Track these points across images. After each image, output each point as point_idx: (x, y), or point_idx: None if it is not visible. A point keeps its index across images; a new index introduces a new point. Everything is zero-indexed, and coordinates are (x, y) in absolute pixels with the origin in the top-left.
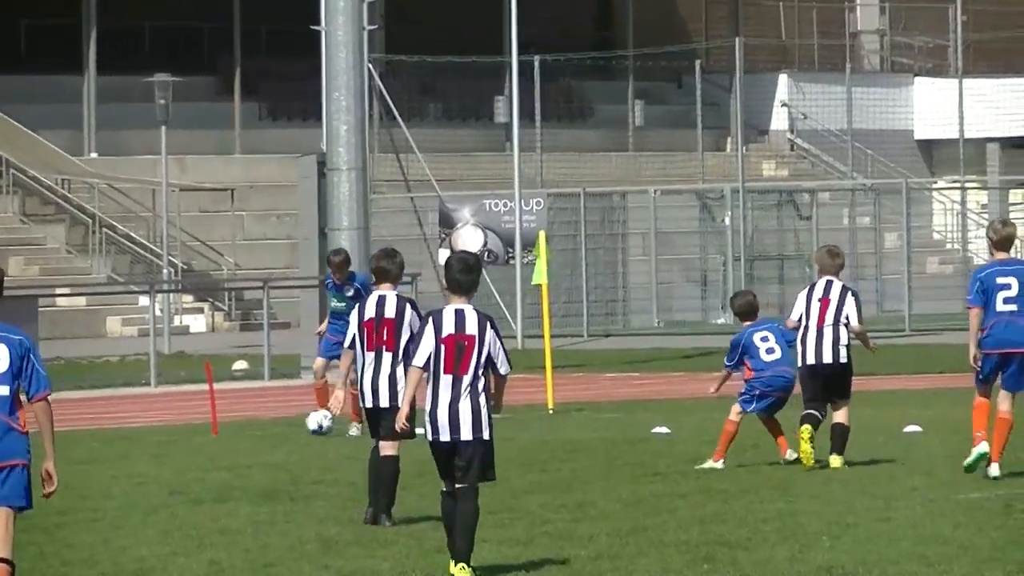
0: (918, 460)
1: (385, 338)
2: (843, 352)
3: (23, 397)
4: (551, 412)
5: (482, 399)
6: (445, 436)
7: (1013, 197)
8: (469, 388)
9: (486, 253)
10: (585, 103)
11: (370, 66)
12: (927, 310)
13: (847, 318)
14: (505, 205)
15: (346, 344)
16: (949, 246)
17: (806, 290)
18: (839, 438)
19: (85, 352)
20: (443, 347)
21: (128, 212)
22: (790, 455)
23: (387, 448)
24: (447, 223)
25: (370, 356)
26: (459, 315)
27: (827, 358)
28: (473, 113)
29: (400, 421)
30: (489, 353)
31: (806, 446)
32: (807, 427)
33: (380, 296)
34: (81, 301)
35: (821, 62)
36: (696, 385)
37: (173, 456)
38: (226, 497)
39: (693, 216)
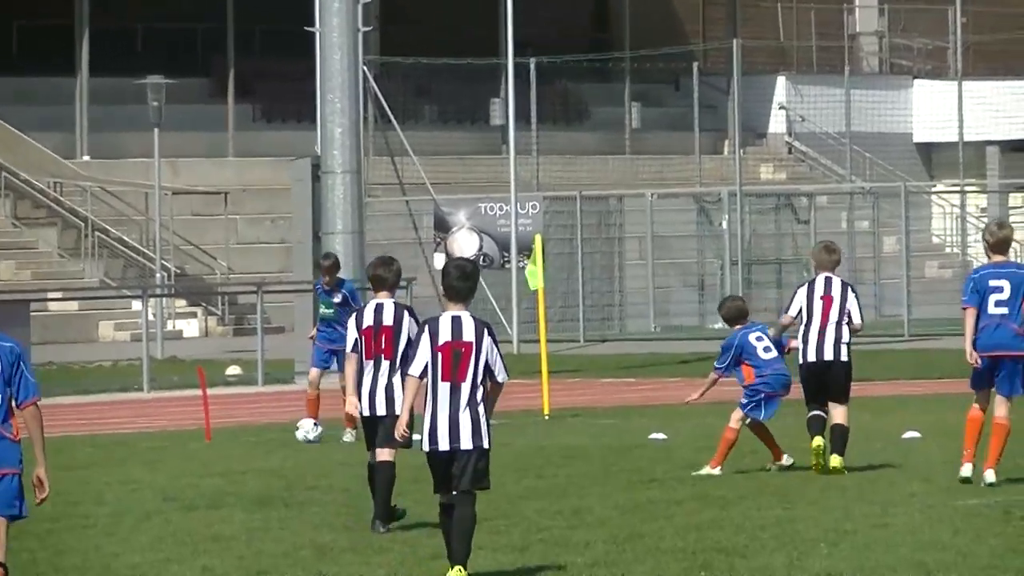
0: (917, 466)
1: (383, 346)
2: (844, 350)
3: (13, 404)
4: (547, 417)
5: (481, 408)
6: (444, 445)
7: (1013, 201)
8: (469, 397)
9: (481, 257)
10: (582, 105)
11: (365, 68)
12: (926, 315)
13: (849, 316)
14: (501, 208)
15: (348, 348)
16: (948, 250)
17: (804, 287)
18: (839, 438)
19: (77, 357)
20: (440, 355)
21: (121, 215)
22: (786, 460)
23: (384, 454)
24: (442, 227)
25: (368, 364)
26: (456, 322)
27: (828, 355)
28: (469, 115)
29: (400, 429)
30: (487, 360)
31: (818, 461)
32: (819, 441)
33: (378, 304)
34: (73, 305)
35: (819, 64)
36: (693, 390)
37: (166, 462)
38: (220, 503)
39: (690, 220)
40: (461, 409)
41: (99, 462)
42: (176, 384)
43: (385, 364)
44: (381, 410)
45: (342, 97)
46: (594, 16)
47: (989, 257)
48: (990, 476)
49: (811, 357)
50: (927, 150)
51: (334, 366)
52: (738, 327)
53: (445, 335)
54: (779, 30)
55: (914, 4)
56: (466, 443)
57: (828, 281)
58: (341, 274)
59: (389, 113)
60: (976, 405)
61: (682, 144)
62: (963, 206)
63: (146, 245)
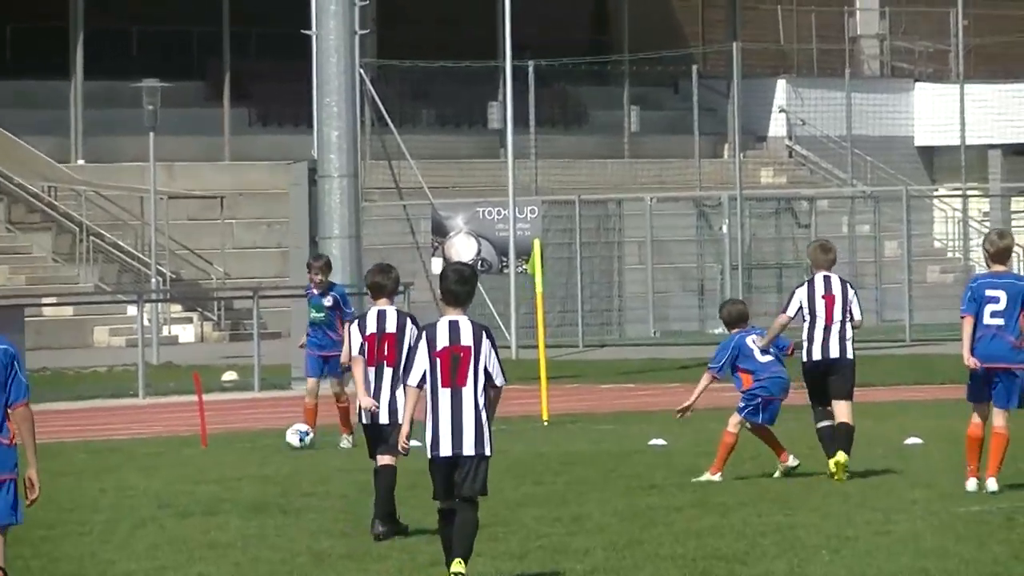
0: (918, 472)
1: (386, 353)
2: (849, 348)
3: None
4: (546, 423)
5: (484, 413)
6: (447, 451)
7: (1016, 204)
8: (472, 401)
9: (480, 262)
10: (580, 109)
11: (362, 71)
12: (928, 319)
13: (851, 313)
14: (499, 213)
15: (355, 352)
16: (950, 254)
17: (804, 287)
18: (844, 437)
19: (72, 363)
20: (439, 360)
21: (116, 220)
22: (792, 461)
23: (385, 459)
24: (440, 231)
25: (371, 372)
26: (453, 326)
27: (834, 353)
28: (466, 119)
29: (401, 440)
30: (486, 364)
31: (841, 476)
32: (843, 457)
33: (380, 311)
34: (68, 311)
35: (820, 67)
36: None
37: (162, 468)
38: (216, 510)
39: (690, 224)
40: (464, 414)
41: (94, 468)
42: (172, 390)
43: (388, 371)
44: (384, 418)
45: (339, 100)
46: (593, 19)
47: (989, 266)
48: (992, 485)
49: (817, 356)
50: (929, 154)
51: (326, 372)
52: (736, 331)
53: (443, 340)
54: (779, 33)
55: (915, 7)
56: (469, 449)
57: (827, 280)
58: (338, 279)
59: (386, 116)
60: (975, 420)
61: (682, 148)
62: (965, 210)
63: (141, 250)
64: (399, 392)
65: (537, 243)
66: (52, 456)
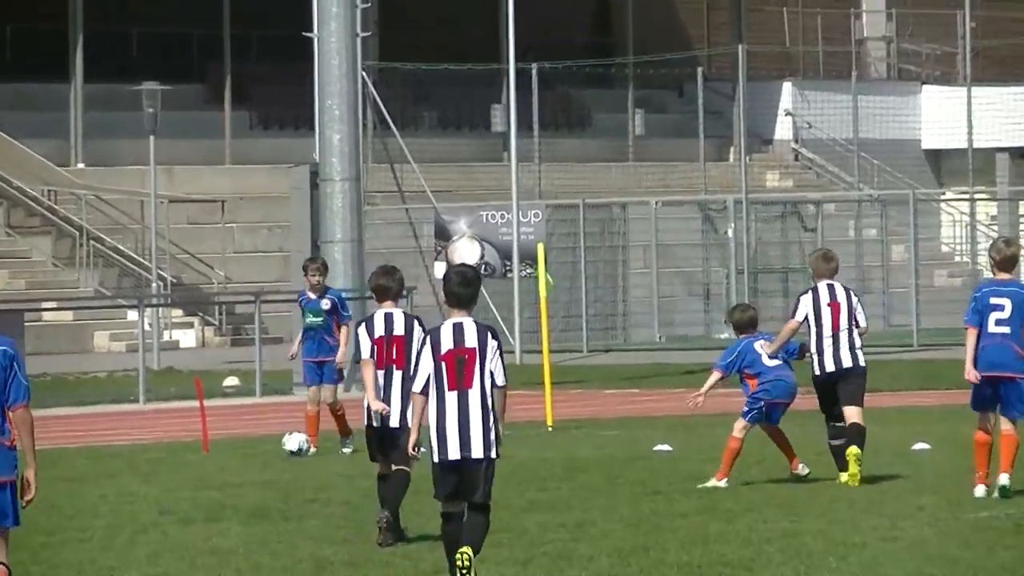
0: (926, 478)
1: (395, 356)
2: (860, 356)
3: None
4: (550, 429)
5: (491, 416)
6: (455, 454)
7: None
8: (479, 404)
9: (483, 266)
10: (584, 112)
11: (363, 74)
12: (935, 324)
13: (856, 321)
14: (502, 217)
15: (364, 355)
16: (958, 259)
17: (808, 295)
18: (857, 435)
19: (72, 368)
20: (443, 364)
21: (116, 224)
22: (802, 469)
23: (401, 465)
24: (443, 235)
25: (380, 375)
26: (457, 329)
27: (847, 363)
28: (469, 122)
29: (408, 448)
30: (491, 365)
31: (854, 468)
32: (855, 469)
33: (387, 314)
34: (68, 315)
35: (826, 70)
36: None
37: (163, 474)
38: (217, 516)
39: (695, 228)
40: (471, 417)
41: (94, 474)
42: (173, 395)
43: (397, 375)
44: (395, 422)
45: (340, 103)
46: (596, 21)
47: (994, 274)
48: (1004, 479)
49: (829, 367)
50: (936, 157)
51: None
52: (745, 336)
53: (447, 343)
54: (785, 35)
55: (922, 9)
56: (477, 452)
57: (831, 288)
58: (339, 283)
59: (388, 120)
60: (980, 428)
61: (686, 151)
62: (973, 214)
63: (142, 254)
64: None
65: (541, 247)
66: (52, 462)
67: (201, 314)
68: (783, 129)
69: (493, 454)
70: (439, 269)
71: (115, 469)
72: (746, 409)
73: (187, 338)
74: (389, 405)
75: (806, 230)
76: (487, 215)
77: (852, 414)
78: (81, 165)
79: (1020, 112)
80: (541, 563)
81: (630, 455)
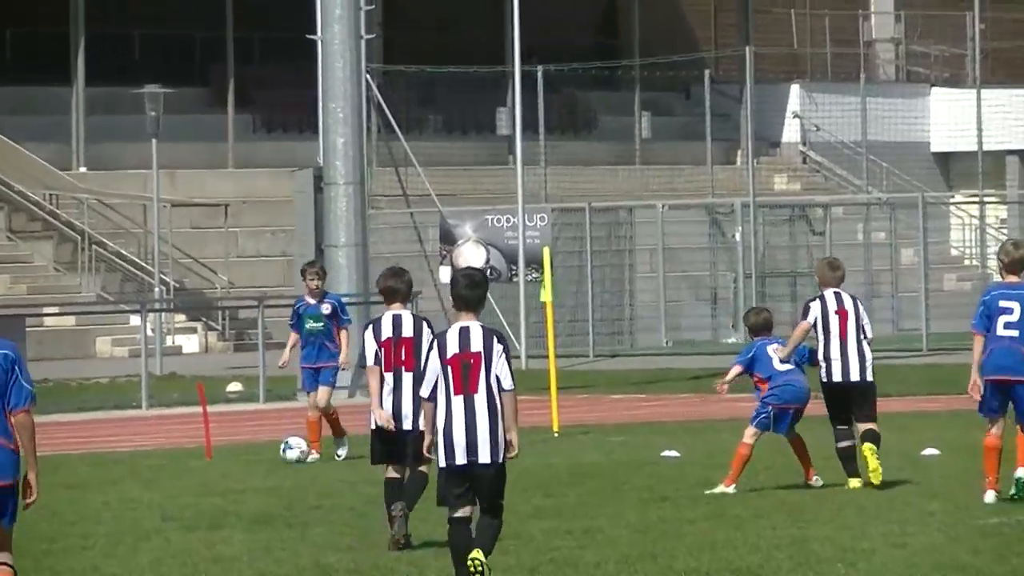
0: (935, 484)
1: (404, 358)
2: (869, 370)
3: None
4: (556, 435)
5: (500, 421)
6: (462, 459)
7: None
8: (486, 408)
9: (488, 271)
10: (590, 114)
11: (368, 76)
12: (945, 328)
13: (863, 330)
14: (508, 220)
15: (369, 361)
16: (967, 262)
17: (817, 301)
18: (871, 436)
19: (74, 373)
20: (450, 368)
21: (118, 228)
22: (816, 481)
23: (422, 468)
24: (448, 239)
25: (388, 377)
26: (464, 333)
27: (855, 376)
28: (474, 125)
29: (424, 450)
30: (496, 370)
31: (874, 462)
32: (856, 483)
33: (395, 315)
34: (70, 320)
35: (834, 72)
36: (706, 407)
37: (165, 481)
38: (220, 523)
39: (702, 231)
40: (477, 422)
41: (96, 481)
42: (175, 401)
43: (407, 376)
44: (407, 424)
45: (344, 106)
46: (602, 23)
47: (1003, 277)
48: (1021, 472)
49: (837, 377)
50: (945, 159)
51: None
52: (760, 338)
53: (453, 347)
54: (793, 37)
55: (931, 11)
56: (484, 457)
57: (838, 296)
58: (344, 288)
59: (393, 123)
60: (991, 432)
61: (693, 154)
62: (982, 217)
63: (144, 258)
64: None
65: (547, 251)
66: (54, 468)
67: (204, 319)
68: (791, 132)
69: (500, 459)
70: (444, 273)
71: (117, 475)
72: (754, 414)
73: (190, 343)
74: (401, 407)
75: (814, 234)
76: (492, 219)
77: (867, 425)
78: (83, 169)
79: None
80: (547, 570)
81: (637, 461)
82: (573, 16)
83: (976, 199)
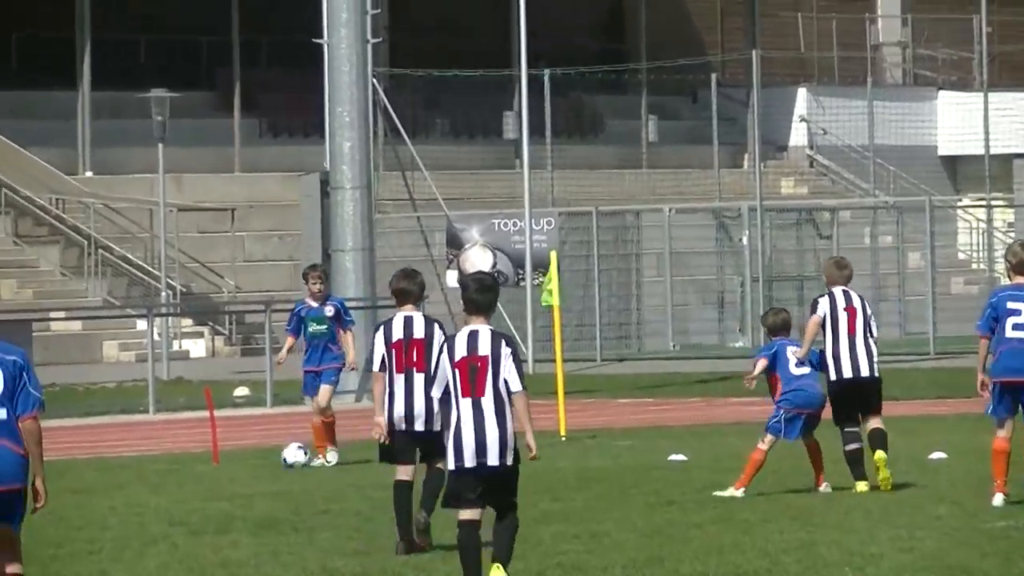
0: (943, 488)
1: (415, 359)
2: (876, 366)
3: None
4: (563, 439)
5: (509, 424)
6: (471, 461)
7: None
8: (494, 412)
9: (495, 275)
10: (597, 118)
11: (374, 80)
12: (952, 332)
13: (871, 329)
14: (515, 224)
15: (375, 366)
16: (975, 266)
17: (826, 298)
18: (880, 439)
19: (81, 378)
20: (458, 371)
21: (125, 233)
22: (824, 488)
23: (438, 464)
24: (455, 243)
25: (399, 378)
26: (472, 336)
27: (864, 371)
28: (481, 129)
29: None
30: (504, 373)
31: (885, 472)
32: (864, 487)
33: (406, 317)
34: (76, 325)
35: (841, 75)
36: (713, 411)
37: (172, 485)
38: (227, 528)
39: (709, 235)
40: (486, 425)
41: (103, 486)
42: (182, 406)
43: (419, 377)
44: (420, 425)
45: (351, 110)
46: (609, 27)
47: (1011, 278)
48: None
49: (847, 373)
50: (952, 163)
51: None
52: (779, 338)
53: (461, 351)
54: (800, 41)
55: (938, 14)
56: (493, 459)
57: (847, 294)
58: (351, 292)
59: (399, 127)
60: (1000, 435)
61: (700, 158)
62: (990, 220)
63: (151, 263)
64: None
65: (554, 255)
66: (61, 473)
67: (211, 323)
68: (798, 135)
69: (509, 461)
70: (451, 277)
71: (124, 480)
72: (769, 420)
73: (197, 348)
74: (413, 408)
75: (821, 237)
76: (499, 223)
77: (873, 422)
78: (89, 173)
79: None
80: (554, 574)
81: (644, 465)
82: (579, 20)
83: (983, 203)
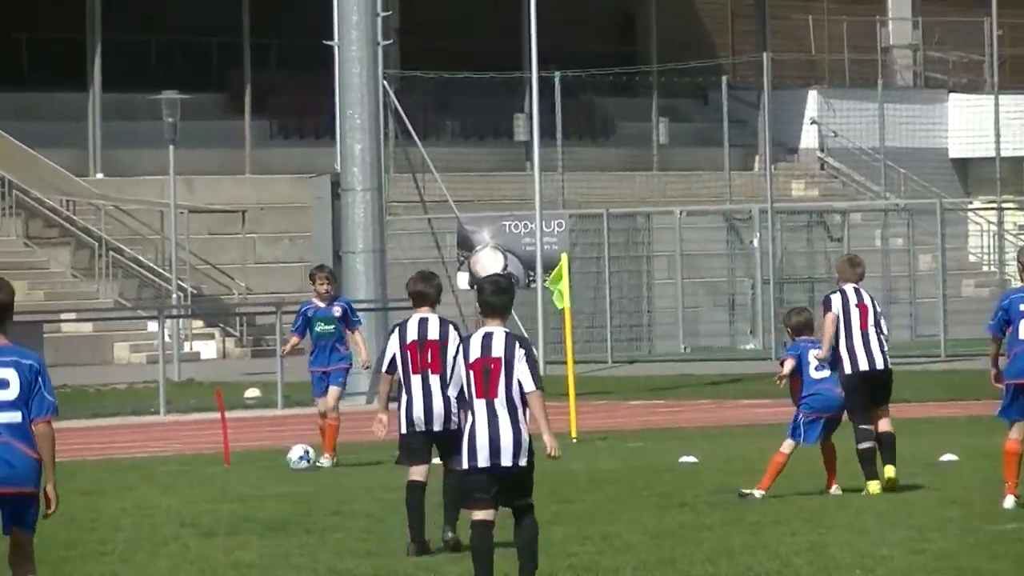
0: (954, 490)
1: (430, 360)
2: (888, 359)
3: None
4: (574, 441)
5: (523, 426)
6: (484, 462)
7: None
8: (507, 412)
9: (511, 277)
10: (608, 120)
11: (385, 82)
12: (963, 335)
13: (881, 326)
14: (526, 227)
15: (384, 368)
16: (985, 268)
17: (838, 294)
18: (889, 448)
19: (92, 379)
20: (472, 372)
21: (135, 234)
22: (835, 491)
23: (451, 464)
24: (465, 245)
25: (415, 379)
26: (487, 338)
27: (879, 364)
28: (492, 131)
29: None
30: (518, 375)
31: (891, 473)
32: (876, 488)
33: (422, 318)
34: (87, 327)
35: (852, 78)
36: (724, 413)
37: (183, 487)
38: (238, 529)
39: (720, 238)
40: (500, 426)
41: (114, 487)
42: (193, 407)
43: (434, 378)
44: (438, 426)
45: (361, 112)
46: (620, 29)
47: (1021, 280)
48: None
49: (863, 366)
50: (963, 166)
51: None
52: (802, 339)
53: (475, 352)
54: (810, 43)
55: (949, 16)
56: (507, 460)
57: (858, 291)
58: (361, 294)
59: (410, 128)
60: (1012, 436)
61: (711, 160)
62: (1000, 223)
63: (162, 265)
64: (452, 400)
65: (564, 257)
66: (72, 474)
67: (222, 325)
68: (809, 138)
69: (523, 462)
70: (462, 279)
71: (135, 482)
72: (790, 423)
73: (208, 349)
74: (432, 409)
75: (832, 240)
76: (510, 225)
77: (883, 424)
78: (100, 175)
79: None
80: None
81: (655, 467)
82: (590, 22)
83: (994, 205)
